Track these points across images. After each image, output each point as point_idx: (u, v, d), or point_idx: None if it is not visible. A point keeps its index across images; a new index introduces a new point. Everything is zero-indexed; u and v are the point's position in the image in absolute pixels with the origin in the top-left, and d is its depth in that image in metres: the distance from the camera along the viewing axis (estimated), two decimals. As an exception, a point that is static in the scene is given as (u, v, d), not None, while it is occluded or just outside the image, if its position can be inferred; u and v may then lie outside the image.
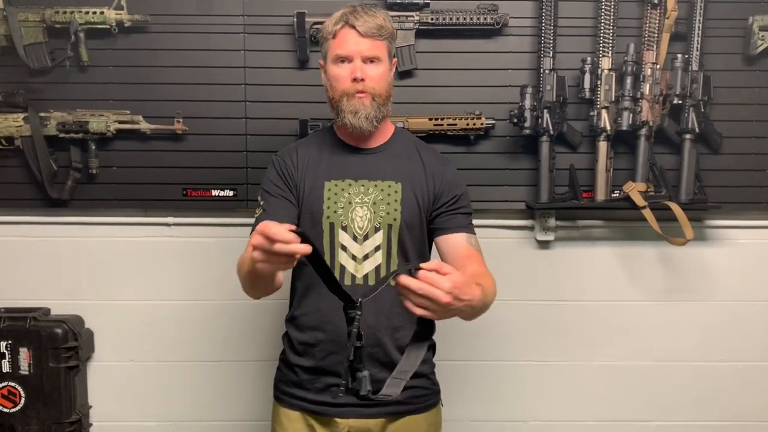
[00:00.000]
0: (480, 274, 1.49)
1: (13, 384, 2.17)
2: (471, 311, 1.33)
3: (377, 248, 1.60)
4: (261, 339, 2.27)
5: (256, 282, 1.46)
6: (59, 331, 2.15)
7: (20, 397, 2.18)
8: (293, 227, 1.15)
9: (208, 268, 2.26)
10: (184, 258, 2.26)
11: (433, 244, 1.69)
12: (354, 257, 1.60)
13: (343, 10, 1.59)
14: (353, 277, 1.59)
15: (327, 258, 1.58)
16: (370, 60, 1.57)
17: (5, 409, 2.18)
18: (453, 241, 1.63)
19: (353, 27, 1.55)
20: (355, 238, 1.59)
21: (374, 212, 1.60)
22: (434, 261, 1.24)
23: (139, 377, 2.31)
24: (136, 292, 2.27)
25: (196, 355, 2.31)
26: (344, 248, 1.59)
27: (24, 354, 2.16)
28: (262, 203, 1.63)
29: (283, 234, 1.12)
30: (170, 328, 2.29)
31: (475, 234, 1.67)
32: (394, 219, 1.60)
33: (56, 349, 2.15)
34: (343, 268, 1.59)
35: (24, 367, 2.17)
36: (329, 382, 1.61)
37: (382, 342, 1.60)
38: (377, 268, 1.60)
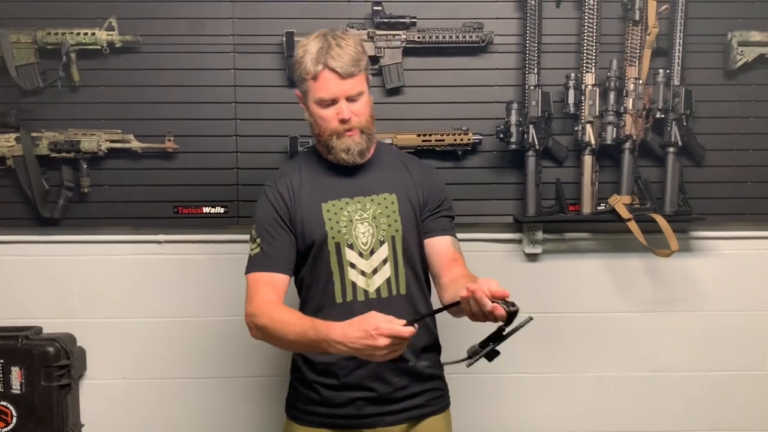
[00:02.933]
0: (467, 278, 1.58)
1: (4, 403, 2.17)
2: None
3: (384, 261, 1.63)
4: (253, 356, 2.28)
5: (304, 351, 1.58)
6: (51, 349, 2.16)
7: (12, 416, 2.17)
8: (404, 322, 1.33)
9: (200, 286, 2.28)
10: (175, 275, 2.27)
11: None
12: (363, 273, 1.62)
13: (316, 43, 1.56)
14: (366, 292, 1.61)
15: (337, 276, 1.61)
16: (353, 98, 1.58)
17: (-3, 429, 2.18)
18: (439, 244, 1.67)
19: (333, 70, 1.54)
20: (361, 254, 1.61)
21: (376, 226, 1.62)
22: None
23: (132, 395, 2.31)
24: (128, 310, 2.28)
25: (188, 373, 2.31)
26: (353, 265, 1.61)
27: (16, 373, 2.16)
28: (259, 241, 1.62)
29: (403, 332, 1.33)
30: (162, 346, 2.30)
31: (456, 237, 1.71)
32: (396, 230, 1.63)
33: (48, 368, 2.15)
34: (354, 284, 1.61)
35: (16, 386, 2.16)
36: (353, 396, 1.62)
37: None
38: (387, 281, 1.63)
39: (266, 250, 1.61)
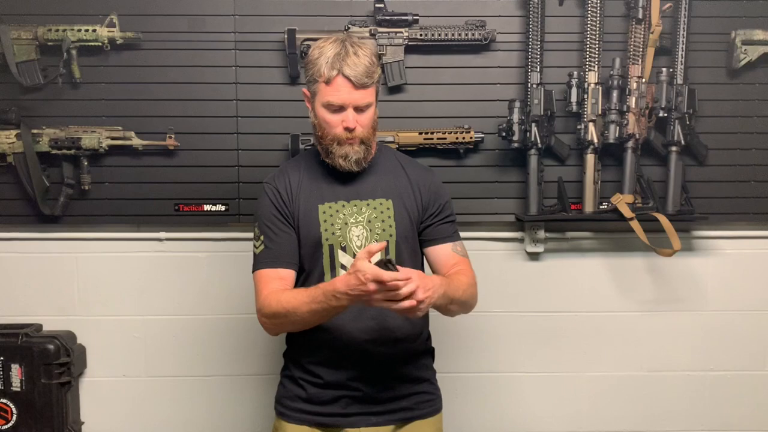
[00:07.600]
0: (456, 273, 1.62)
1: (5, 401, 2.17)
2: (444, 303, 1.52)
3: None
4: (254, 354, 2.28)
5: (320, 320, 1.54)
6: (51, 347, 2.15)
7: (12, 414, 2.17)
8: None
9: (201, 283, 2.27)
10: (176, 273, 2.27)
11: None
12: None
13: (334, 47, 1.56)
14: None
15: (328, 278, 1.61)
16: (361, 108, 1.59)
17: (-3, 426, 2.18)
18: (440, 252, 1.69)
19: (347, 78, 1.54)
20: (354, 257, 1.61)
21: (370, 230, 1.63)
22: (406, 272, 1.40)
23: (132, 393, 2.30)
24: (128, 308, 2.28)
25: (189, 371, 2.31)
26: (344, 267, 1.61)
27: (16, 370, 2.16)
28: (262, 238, 1.64)
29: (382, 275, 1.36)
30: (163, 344, 2.29)
31: (460, 239, 1.73)
32: (390, 235, 1.64)
33: (48, 365, 2.15)
34: None
35: (16, 383, 2.16)
36: (338, 394, 1.63)
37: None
38: None
39: (270, 247, 1.63)
